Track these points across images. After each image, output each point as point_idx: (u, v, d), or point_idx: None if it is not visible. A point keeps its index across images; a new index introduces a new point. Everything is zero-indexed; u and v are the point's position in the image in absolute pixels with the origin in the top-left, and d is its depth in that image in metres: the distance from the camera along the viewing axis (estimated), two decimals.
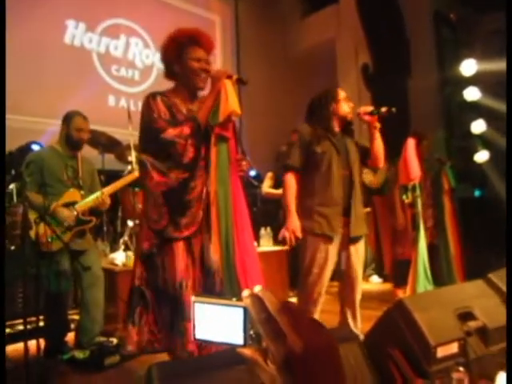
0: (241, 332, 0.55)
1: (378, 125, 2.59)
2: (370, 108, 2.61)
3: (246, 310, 0.54)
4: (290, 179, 2.53)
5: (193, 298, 0.59)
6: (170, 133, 2.00)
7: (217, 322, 0.57)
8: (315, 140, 2.53)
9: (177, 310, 1.99)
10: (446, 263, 3.21)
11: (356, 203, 2.55)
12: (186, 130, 2.01)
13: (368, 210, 5.61)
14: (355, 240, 2.57)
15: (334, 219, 2.49)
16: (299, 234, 2.45)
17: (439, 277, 3.12)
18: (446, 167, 3.50)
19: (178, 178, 2.04)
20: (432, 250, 3.18)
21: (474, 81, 5.87)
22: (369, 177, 5.52)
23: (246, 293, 0.54)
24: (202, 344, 1.97)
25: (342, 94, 2.63)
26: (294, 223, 2.46)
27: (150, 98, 2.13)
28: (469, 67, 5.77)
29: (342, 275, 2.62)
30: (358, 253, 2.62)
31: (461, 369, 1.75)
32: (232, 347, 0.56)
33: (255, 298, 0.52)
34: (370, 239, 5.47)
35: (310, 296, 2.51)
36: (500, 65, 5.00)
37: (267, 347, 0.51)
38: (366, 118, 2.59)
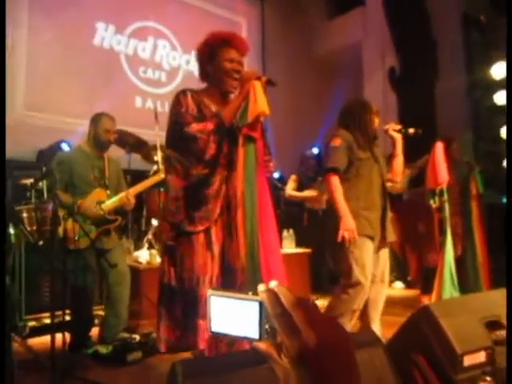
0: (256, 326, 0.55)
1: (401, 142, 2.78)
2: (399, 126, 2.79)
3: (261, 304, 0.54)
4: (337, 181, 2.60)
5: (209, 292, 0.60)
6: (194, 127, 2.04)
7: (232, 316, 0.57)
8: (358, 146, 2.64)
9: (192, 306, 2.00)
10: (473, 270, 3.14)
11: (388, 210, 2.71)
12: (210, 125, 2.04)
13: (391, 215, 5.55)
14: (387, 245, 2.72)
15: (375, 223, 2.62)
16: (356, 234, 2.52)
17: (466, 284, 3.05)
18: (474, 172, 3.43)
19: (199, 173, 2.07)
20: (459, 256, 3.11)
21: (504, 84, 5.73)
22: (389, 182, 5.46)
23: (261, 287, 0.54)
24: (213, 344, 1.99)
25: (374, 106, 2.80)
26: (351, 223, 2.53)
27: (180, 94, 2.19)
28: (499, 70, 5.64)
29: (373, 278, 2.65)
30: (387, 257, 2.73)
31: (488, 378, 1.72)
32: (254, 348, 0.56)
33: (271, 292, 0.53)
34: (395, 244, 5.40)
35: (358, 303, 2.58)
36: None
37: (282, 341, 0.51)
38: (393, 134, 2.78)
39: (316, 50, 7.69)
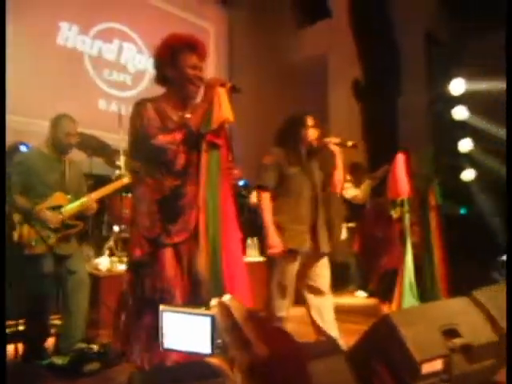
0: (208, 341, 0.55)
1: (340, 155, 2.87)
2: (338, 140, 2.86)
3: (213, 318, 0.54)
4: (266, 199, 2.69)
5: (161, 308, 0.59)
6: (161, 139, 1.99)
7: (185, 331, 0.57)
8: (288, 163, 2.73)
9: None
10: (431, 279, 3.23)
11: (321, 222, 2.77)
12: (178, 136, 2.00)
13: (351, 224, 5.64)
14: (322, 255, 2.78)
15: (302, 236, 2.69)
16: (281, 249, 2.60)
17: (424, 293, 3.14)
18: (433, 184, 3.54)
19: (171, 185, 2.03)
20: (418, 265, 3.19)
21: (462, 100, 5.97)
22: (351, 192, 5.58)
23: (213, 302, 0.54)
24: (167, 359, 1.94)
25: (310, 120, 2.82)
26: (276, 239, 2.62)
27: (139, 106, 2.11)
28: (457, 86, 5.87)
29: (313, 290, 2.77)
30: (325, 268, 2.80)
31: None
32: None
33: (222, 306, 0.53)
34: (356, 253, 5.48)
35: (280, 308, 2.69)
36: (488, 85, 5.10)
37: (233, 355, 0.51)
38: (332, 147, 2.84)
39: (283, 58, 7.76)
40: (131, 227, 2.30)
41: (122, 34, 6.13)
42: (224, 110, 1.93)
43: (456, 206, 5.86)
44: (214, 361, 0.53)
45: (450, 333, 1.89)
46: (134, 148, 2.12)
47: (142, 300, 2.01)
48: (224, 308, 0.53)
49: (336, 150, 2.85)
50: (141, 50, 6.34)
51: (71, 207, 2.89)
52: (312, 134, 2.79)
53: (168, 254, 2.00)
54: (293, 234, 2.65)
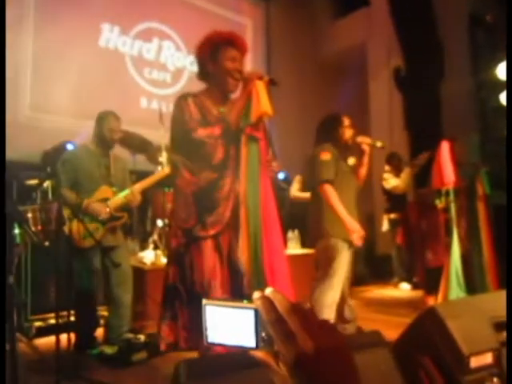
0: (252, 334, 0.54)
1: (368, 154, 3.09)
2: (370, 140, 3.09)
3: (256, 311, 0.53)
4: (333, 191, 2.85)
5: (203, 302, 0.59)
6: (201, 133, 2.03)
7: (228, 325, 0.56)
8: (341, 159, 2.97)
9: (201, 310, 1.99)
10: (480, 271, 3.11)
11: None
12: (217, 130, 2.03)
13: (393, 215, 5.51)
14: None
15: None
16: (362, 232, 2.82)
17: (472, 285, 3.03)
18: (481, 173, 3.40)
19: (208, 177, 2.06)
20: (465, 256, 3.09)
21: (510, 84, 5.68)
22: (392, 182, 5.45)
23: (256, 295, 0.53)
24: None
25: (346, 120, 3.05)
26: (356, 224, 2.81)
27: (181, 100, 2.18)
28: (505, 70, 5.59)
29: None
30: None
31: (495, 380, 1.70)
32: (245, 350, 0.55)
33: (265, 299, 0.52)
34: (400, 245, 5.37)
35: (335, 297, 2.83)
36: None
37: (278, 349, 0.51)
38: (364, 146, 3.06)
39: (322, 50, 7.68)
40: (170, 219, 2.36)
41: (160, 32, 6.25)
42: (262, 103, 1.93)
43: (505, 195, 5.61)
44: (259, 354, 0.53)
45: (500, 325, 1.81)
46: (175, 141, 2.17)
47: (183, 291, 2.05)
48: (267, 301, 0.52)
49: (366, 149, 3.06)
50: (179, 47, 6.44)
51: (117, 199, 2.99)
52: (348, 132, 3.00)
53: (206, 246, 2.04)
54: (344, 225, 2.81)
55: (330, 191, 2.84)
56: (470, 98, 6.10)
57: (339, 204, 2.80)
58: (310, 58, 7.42)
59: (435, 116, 6.06)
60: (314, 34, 7.60)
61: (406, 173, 5.23)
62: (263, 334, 0.53)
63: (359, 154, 3.12)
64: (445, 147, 3.07)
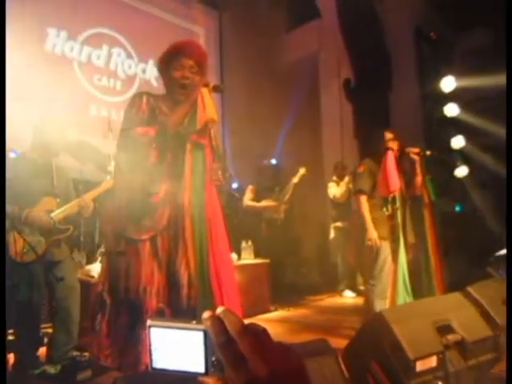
0: (202, 358, 0.50)
1: (419, 162, 3.35)
2: (417, 149, 3.37)
3: (206, 333, 0.49)
4: (364, 201, 3.32)
5: (148, 322, 0.54)
6: (136, 131, 1.99)
7: (175, 348, 0.52)
8: (377, 170, 3.29)
9: (137, 317, 1.92)
10: (426, 276, 3.21)
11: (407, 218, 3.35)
12: (151, 131, 1.99)
13: (338, 224, 5.62)
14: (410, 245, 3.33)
15: (394, 229, 3.22)
16: (378, 241, 3.24)
17: (419, 290, 3.13)
18: (426, 180, 3.52)
19: (140, 180, 2.01)
20: (412, 262, 3.19)
21: (453, 97, 5.97)
22: (332, 191, 5.58)
23: (205, 314, 0.49)
24: None
25: (388, 134, 3.39)
26: (375, 233, 3.25)
27: (136, 96, 2.18)
28: (448, 84, 5.88)
29: None
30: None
31: (440, 383, 1.73)
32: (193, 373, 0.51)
33: (215, 319, 0.48)
34: (348, 252, 5.46)
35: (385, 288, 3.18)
36: (478, 81, 5.10)
37: (228, 375, 0.47)
38: (412, 156, 3.32)
39: (274, 61, 7.77)
40: (102, 224, 2.29)
41: (110, 39, 6.10)
42: (208, 109, 1.91)
43: (450, 202, 5.85)
44: (208, 380, 0.49)
45: (444, 329, 1.86)
46: (119, 138, 2.12)
47: (117, 299, 1.97)
48: (217, 321, 0.48)
49: (416, 158, 3.33)
50: (130, 55, 6.31)
51: (61, 211, 2.85)
52: (392, 145, 3.28)
53: (141, 250, 1.97)
54: (387, 228, 3.21)
55: (361, 201, 3.31)
56: (416, 108, 6.36)
57: (367, 212, 3.27)
58: (262, 68, 7.49)
59: (383, 126, 6.26)
60: (266, 44, 7.68)
61: (345, 182, 5.40)
62: (213, 358, 0.49)
63: (410, 163, 3.38)
64: (390, 155, 3.16)
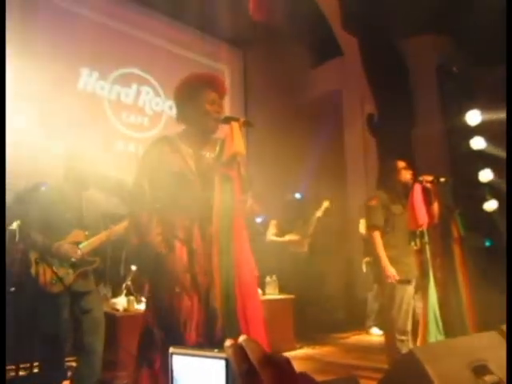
0: None
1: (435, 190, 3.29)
2: (431, 177, 3.28)
3: (228, 362, 0.49)
4: (377, 236, 3.21)
5: (170, 350, 0.54)
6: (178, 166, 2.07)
7: (197, 376, 0.51)
8: (392, 203, 3.26)
9: None
10: (458, 313, 3.10)
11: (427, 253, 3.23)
12: (192, 164, 2.08)
13: (368, 259, 5.51)
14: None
15: (412, 267, 3.21)
16: (397, 278, 3.14)
17: (451, 328, 3.01)
18: (455, 214, 3.46)
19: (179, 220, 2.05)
20: (442, 299, 3.08)
21: (479, 130, 5.92)
22: (363, 227, 5.47)
23: (227, 342, 0.49)
24: None
25: (401, 164, 3.37)
26: (392, 270, 3.15)
27: (157, 142, 2.21)
28: (473, 117, 5.84)
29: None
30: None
31: None
32: None
33: (237, 348, 0.47)
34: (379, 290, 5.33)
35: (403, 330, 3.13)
36: (504, 114, 5.06)
37: None
38: (428, 184, 3.25)
39: (297, 97, 7.89)
40: None
41: (139, 78, 6.33)
42: (236, 143, 1.94)
43: (480, 237, 5.70)
44: None
45: (481, 369, 1.77)
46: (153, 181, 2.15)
47: (160, 335, 1.95)
48: (239, 350, 0.47)
49: (429, 186, 3.27)
50: (158, 93, 6.52)
51: (89, 243, 2.90)
52: (405, 175, 3.30)
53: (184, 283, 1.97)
54: (407, 267, 3.17)
55: (375, 237, 3.21)
56: (440, 142, 6.31)
57: (381, 248, 3.18)
58: (286, 104, 7.60)
59: (408, 160, 6.22)
60: (289, 81, 7.83)
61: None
62: None
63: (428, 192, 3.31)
64: (417, 189, 3.13)
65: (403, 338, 3.11)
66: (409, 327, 3.14)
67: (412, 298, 3.20)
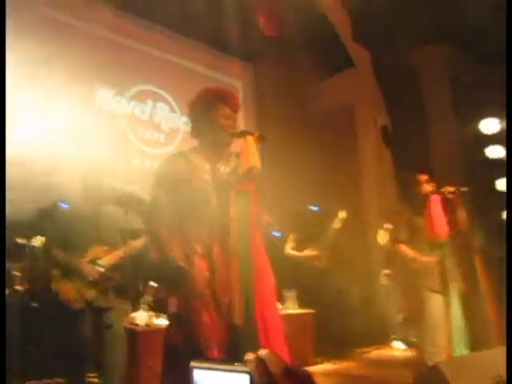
0: None
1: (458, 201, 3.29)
2: (453, 188, 3.27)
3: (251, 375, 0.49)
4: (403, 248, 3.29)
5: (191, 364, 0.54)
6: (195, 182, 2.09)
7: None
8: (413, 216, 3.30)
9: None
10: (483, 325, 3.04)
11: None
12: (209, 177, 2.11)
13: (387, 271, 5.44)
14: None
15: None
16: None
17: (476, 340, 2.95)
18: (474, 225, 3.41)
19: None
20: (466, 310, 3.03)
21: (495, 139, 5.86)
22: (382, 238, 5.42)
23: (249, 356, 0.49)
24: None
25: (421, 177, 3.39)
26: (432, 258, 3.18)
27: (173, 157, 2.24)
28: (491, 126, 5.79)
29: None
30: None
31: None
32: None
33: (258, 361, 0.48)
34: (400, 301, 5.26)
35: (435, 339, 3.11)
36: None
37: None
38: (450, 195, 3.26)
39: (310, 110, 7.92)
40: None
41: (155, 94, 6.43)
42: (251, 157, 1.95)
43: (500, 247, 5.59)
44: None
45: None
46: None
47: (185, 351, 1.95)
48: (260, 363, 0.48)
49: (453, 197, 3.28)
50: (173, 109, 6.61)
51: (108, 258, 2.94)
52: (427, 187, 3.31)
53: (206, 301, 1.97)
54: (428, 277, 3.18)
55: (402, 249, 3.29)
56: (456, 152, 6.25)
57: (413, 253, 3.21)
58: (298, 117, 7.63)
59: (423, 170, 6.17)
60: (301, 93, 7.86)
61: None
62: None
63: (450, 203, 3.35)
64: (435, 200, 3.10)
65: (434, 350, 3.07)
66: (440, 339, 3.11)
67: (443, 308, 3.17)
